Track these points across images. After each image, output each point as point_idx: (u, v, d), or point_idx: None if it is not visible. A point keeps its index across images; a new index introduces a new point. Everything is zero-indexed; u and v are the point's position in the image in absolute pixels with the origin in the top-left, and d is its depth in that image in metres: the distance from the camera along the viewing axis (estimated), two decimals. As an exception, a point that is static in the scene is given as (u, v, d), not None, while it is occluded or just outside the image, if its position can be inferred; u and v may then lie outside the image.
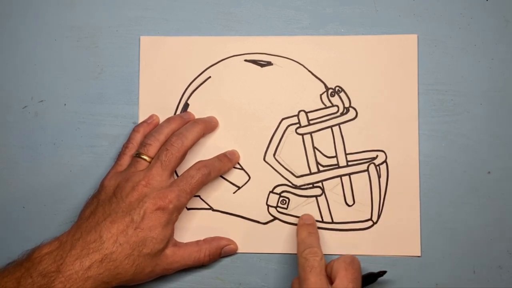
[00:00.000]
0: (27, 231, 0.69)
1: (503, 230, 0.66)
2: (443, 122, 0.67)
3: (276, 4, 0.69)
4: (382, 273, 0.62)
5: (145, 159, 0.64)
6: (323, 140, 0.68)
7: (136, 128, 0.68)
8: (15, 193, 0.69)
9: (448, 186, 0.67)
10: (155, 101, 0.69)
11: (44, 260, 0.57)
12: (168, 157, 0.63)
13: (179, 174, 0.67)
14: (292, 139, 0.68)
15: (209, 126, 0.68)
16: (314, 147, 0.68)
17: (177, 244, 0.64)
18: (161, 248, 0.62)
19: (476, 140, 0.67)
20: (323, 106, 0.68)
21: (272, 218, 0.68)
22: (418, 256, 0.66)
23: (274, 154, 0.68)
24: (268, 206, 0.68)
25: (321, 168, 0.68)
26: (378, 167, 0.67)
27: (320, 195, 0.67)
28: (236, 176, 0.68)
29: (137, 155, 0.64)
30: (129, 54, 0.70)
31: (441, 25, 0.68)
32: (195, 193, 0.64)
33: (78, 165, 0.69)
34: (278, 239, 0.67)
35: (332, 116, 0.68)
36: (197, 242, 0.66)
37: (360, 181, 0.67)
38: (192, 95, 0.69)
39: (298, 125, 0.68)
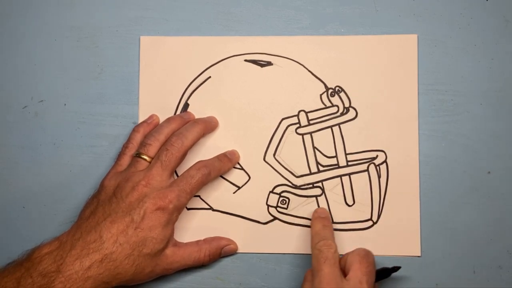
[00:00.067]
0: (27, 231, 0.69)
1: (503, 230, 0.66)
2: (443, 122, 0.67)
3: (276, 4, 0.69)
4: (396, 268, 0.62)
5: (145, 159, 0.64)
6: (323, 140, 0.68)
7: (136, 128, 0.68)
8: (15, 193, 0.69)
9: (448, 186, 0.67)
10: (155, 101, 0.69)
11: (44, 260, 0.57)
12: (168, 157, 0.63)
13: (179, 174, 0.67)
14: (292, 139, 0.68)
15: (209, 126, 0.68)
16: (314, 147, 0.68)
17: (177, 244, 0.64)
18: (161, 248, 0.62)
19: (476, 140, 0.67)
20: (323, 106, 0.68)
21: (272, 218, 0.68)
22: (418, 256, 0.66)
23: (274, 154, 0.68)
24: (268, 206, 0.68)
25: (321, 168, 0.68)
26: (378, 167, 0.67)
27: (320, 195, 0.67)
28: (236, 176, 0.68)
29: (137, 155, 0.64)
30: (129, 54, 0.70)
31: (441, 25, 0.68)
32: (195, 193, 0.64)
33: (78, 165, 0.69)
34: (278, 239, 0.67)
35: (332, 116, 0.68)
36: (197, 242, 0.66)
37: (360, 181, 0.67)
38: (192, 95, 0.69)
39: (298, 125, 0.68)
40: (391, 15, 0.68)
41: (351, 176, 0.67)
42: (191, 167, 0.65)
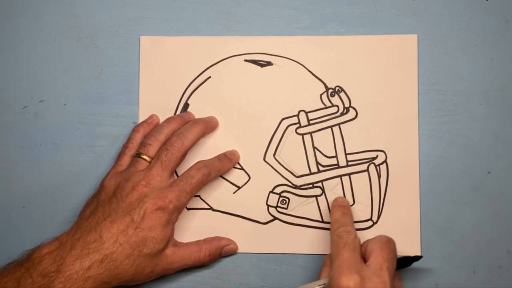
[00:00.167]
0: (27, 231, 0.69)
1: (503, 230, 0.66)
2: (443, 122, 0.67)
3: (276, 4, 0.69)
4: (418, 257, 0.62)
5: (145, 159, 0.64)
6: (323, 140, 0.68)
7: (136, 128, 0.68)
8: (15, 193, 0.69)
9: (448, 186, 0.67)
10: (155, 101, 0.69)
11: (44, 260, 0.57)
12: (168, 157, 0.63)
13: (179, 174, 0.67)
14: (292, 139, 0.68)
15: (209, 126, 0.68)
16: (314, 147, 0.68)
17: (177, 244, 0.64)
18: (161, 248, 0.62)
19: (476, 140, 0.67)
20: (323, 106, 0.68)
21: (272, 218, 0.68)
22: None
23: (274, 154, 0.68)
24: (268, 206, 0.68)
25: (321, 168, 0.68)
26: (378, 167, 0.67)
27: (320, 195, 0.67)
28: (236, 176, 0.68)
29: (137, 155, 0.64)
30: (129, 54, 0.70)
31: (441, 25, 0.68)
32: (195, 193, 0.64)
33: (78, 165, 0.69)
34: (278, 239, 0.67)
35: (332, 116, 0.68)
36: (197, 242, 0.66)
37: (360, 181, 0.67)
38: (192, 95, 0.69)
39: (298, 125, 0.68)
40: (391, 15, 0.68)
41: (351, 176, 0.67)
42: (191, 167, 0.65)
